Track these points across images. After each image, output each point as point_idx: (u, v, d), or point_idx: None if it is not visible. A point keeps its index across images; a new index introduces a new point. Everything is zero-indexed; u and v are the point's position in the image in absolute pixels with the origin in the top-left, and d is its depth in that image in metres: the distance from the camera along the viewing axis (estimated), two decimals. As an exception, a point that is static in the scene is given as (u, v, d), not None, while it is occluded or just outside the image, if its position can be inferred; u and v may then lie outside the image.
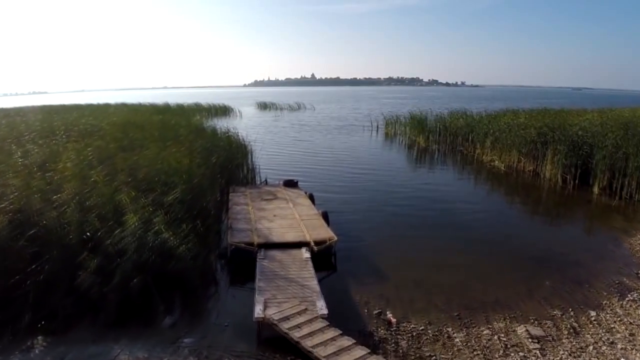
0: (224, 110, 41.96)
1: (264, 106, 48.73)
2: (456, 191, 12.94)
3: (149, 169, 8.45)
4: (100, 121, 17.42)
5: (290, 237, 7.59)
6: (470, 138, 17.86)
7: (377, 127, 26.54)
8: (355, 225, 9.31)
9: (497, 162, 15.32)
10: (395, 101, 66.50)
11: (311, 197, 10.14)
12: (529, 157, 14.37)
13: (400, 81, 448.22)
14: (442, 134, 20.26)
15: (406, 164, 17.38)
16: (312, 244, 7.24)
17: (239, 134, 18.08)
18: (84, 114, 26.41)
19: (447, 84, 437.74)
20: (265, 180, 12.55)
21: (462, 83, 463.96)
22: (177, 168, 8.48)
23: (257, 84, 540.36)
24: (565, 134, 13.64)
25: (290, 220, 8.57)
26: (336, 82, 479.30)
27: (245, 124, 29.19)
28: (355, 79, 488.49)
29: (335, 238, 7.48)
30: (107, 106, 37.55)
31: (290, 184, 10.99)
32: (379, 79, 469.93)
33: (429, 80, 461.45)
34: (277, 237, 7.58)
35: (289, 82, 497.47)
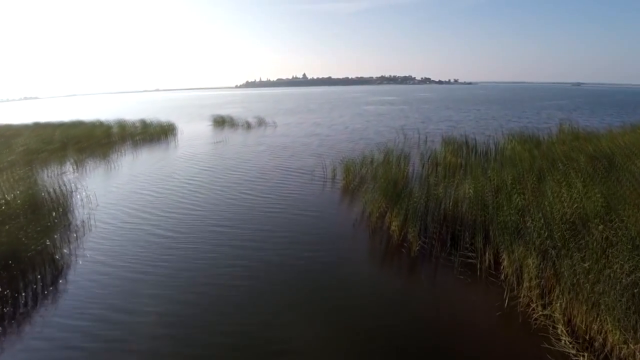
0: (165, 131, 33.23)
1: (220, 122, 39.82)
2: None
3: None
4: None
5: None
6: (486, 233, 9.25)
7: (334, 173, 15.85)
8: None
9: (560, 326, 6.42)
10: (377, 108, 57.63)
11: None
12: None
13: (393, 80, 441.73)
14: (433, 212, 10.06)
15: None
16: None
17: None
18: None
19: (440, 82, 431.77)
20: None
21: (455, 80, 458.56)
22: None
23: (248, 85, 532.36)
24: None
25: None
26: (328, 81, 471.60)
27: (138, 170, 20.41)
28: (347, 78, 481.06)
29: None
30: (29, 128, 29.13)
31: None
32: (371, 77, 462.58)
33: (422, 78, 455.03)
34: None
35: (280, 83, 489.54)
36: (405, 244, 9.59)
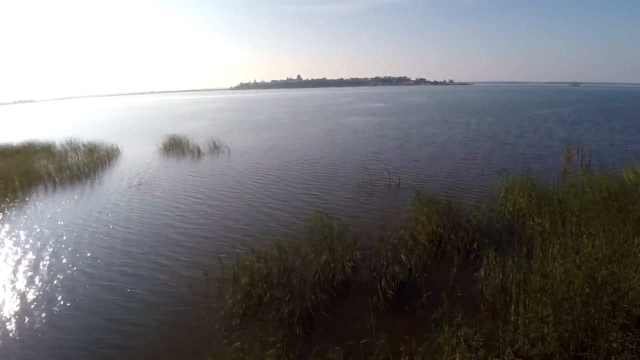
0: (98, 163, 27.71)
1: (170, 146, 34.16)
2: None
3: None
4: None
5: None
6: None
7: (234, 272, 9.98)
8: None
9: None
10: (356, 120, 51.60)
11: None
12: None
13: (388, 81, 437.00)
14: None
15: None
16: None
17: None
18: None
19: (435, 83, 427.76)
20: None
21: (450, 81, 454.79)
22: None
23: (242, 86, 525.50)
24: None
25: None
26: (322, 83, 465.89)
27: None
28: (341, 79, 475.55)
29: None
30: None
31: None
32: (366, 79, 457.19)
33: (417, 79, 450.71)
34: None
35: (274, 85, 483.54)
36: None
